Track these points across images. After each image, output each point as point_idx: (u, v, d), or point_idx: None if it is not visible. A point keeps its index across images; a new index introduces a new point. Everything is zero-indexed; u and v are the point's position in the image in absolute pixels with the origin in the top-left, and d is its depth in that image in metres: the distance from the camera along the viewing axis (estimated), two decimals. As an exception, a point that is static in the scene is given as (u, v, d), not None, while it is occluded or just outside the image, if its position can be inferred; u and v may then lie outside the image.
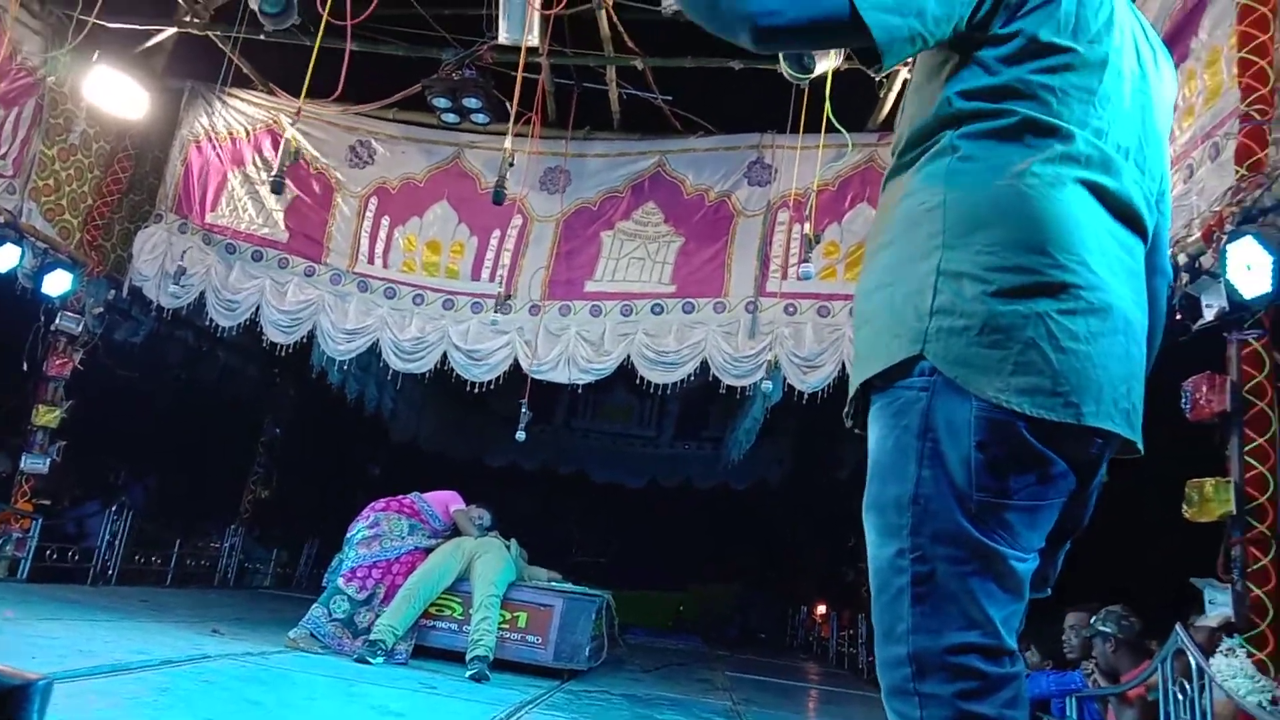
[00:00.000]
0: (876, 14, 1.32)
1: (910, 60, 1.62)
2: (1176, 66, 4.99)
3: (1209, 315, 4.37)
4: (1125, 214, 1.46)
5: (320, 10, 5.73)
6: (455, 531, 6.56)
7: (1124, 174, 1.46)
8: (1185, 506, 4.23)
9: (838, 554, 12.68)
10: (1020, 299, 1.32)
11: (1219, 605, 4.10)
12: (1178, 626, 3.86)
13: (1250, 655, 3.82)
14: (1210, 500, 4.10)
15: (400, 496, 6.60)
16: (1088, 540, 1.67)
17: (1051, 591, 1.59)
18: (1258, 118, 4.30)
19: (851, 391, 1.55)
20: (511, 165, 6.13)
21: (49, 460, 8.17)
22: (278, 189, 5.92)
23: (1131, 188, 1.47)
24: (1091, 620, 4.77)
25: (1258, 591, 3.94)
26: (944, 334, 1.35)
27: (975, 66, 1.46)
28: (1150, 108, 1.57)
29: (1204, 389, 4.29)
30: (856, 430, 1.54)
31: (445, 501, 6.64)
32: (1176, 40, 5.11)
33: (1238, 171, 4.35)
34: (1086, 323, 1.33)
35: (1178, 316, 4.52)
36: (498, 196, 5.88)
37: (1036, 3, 1.43)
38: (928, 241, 1.41)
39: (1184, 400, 4.38)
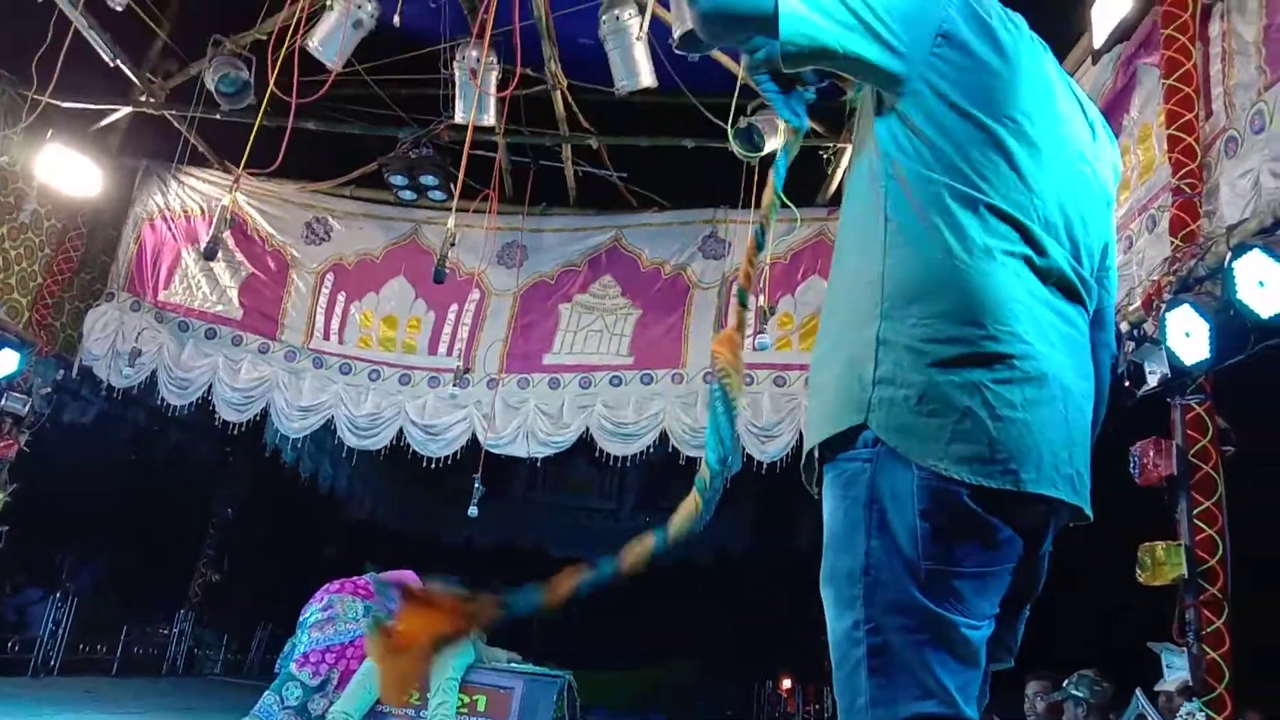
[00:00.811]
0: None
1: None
2: (1110, 142, 5.19)
3: (1152, 381, 4.48)
4: (1060, 284, 1.49)
5: (275, 90, 5.80)
6: (412, 611, 6.42)
7: (1050, 247, 1.48)
8: (1138, 570, 4.27)
9: (803, 625, 12.56)
10: (956, 369, 1.35)
11: (1177, 669, 4.13)
12: (1138, 691, 3.88)
13: (1210, 719, 3.84)
14: (1162, 564, 4.15)
15: (355, 578, 6.47)
16: (1045, 605, 1.69)
17: (1014, 661, 1.60)
18: (1188, 191, 4.48)
19: (804, 459, 1.58)
20: (454, 245, 6.17)
21: (-10, 546, 7.89)
22: (210, 254, 5.92)
23: (1061, 260, 1.49)
24: (1064, 684, 4.76)
25: (1213, 654, 3.97)
26: (885, 404, 1.38)
27: (906, 133, 1.49)
28: (1085, 182, 1.60)
29: (1151, 454, 4.37)
30: (817, 496, 1.54)
31: (401, 583, 6.51)
32: (1109, 117, 5.33)
33: (1173, 242, 4.51)
34: (1022, 391, 1.36)
35: (1126, 383, 4.63)
36: (438, 275, 5.89)
37: (957, 75, 1.47)
38: (868, 313, 1.45)
39: (1132, 465, 4.46)
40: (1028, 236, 1.46)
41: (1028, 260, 1.45)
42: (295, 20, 6.41)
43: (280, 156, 6.07)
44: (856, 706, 1.33)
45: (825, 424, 1.46)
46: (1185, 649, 4.07)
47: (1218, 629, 3.99)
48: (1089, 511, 1.47)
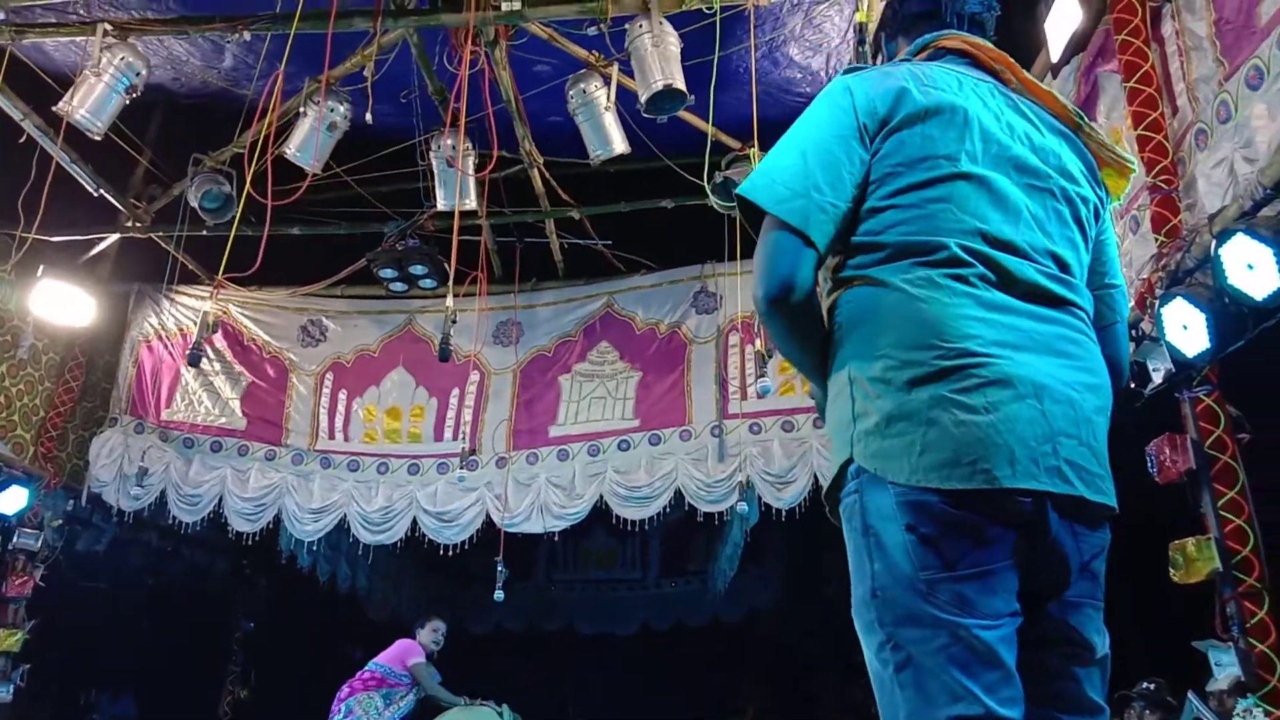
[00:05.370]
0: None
1: None
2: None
3: (1157, 378, 4.46)
4: (1032, 292, 1.55)
5: (253, 194, 5.88)
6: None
7: (1006, 261, 1.55)
8: (1171, 570, 4.20)
9: (846, 673, 12.30)
10: (919, 389, 1.45)
11: (1226, 666, 4.03)
12: (1190, 694, 3.79)
13: (1268, 714, 3.74)
14: (1195, 560, 4.08)
15: (360, 674, 6.42)
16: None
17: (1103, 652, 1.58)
18: (1165, 187, 4.52)
19: (826, 504, 1.67)
20: (454, 322, 6.23)
21: (12, 687, 7.77)
22: (194, 361, 6.04)
23: (1023, 270, 1.56)
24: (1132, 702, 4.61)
25: (1261, 647, 3.88)
26: (864, 435, 1.49)
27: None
28: (1045, 196, 1.65)
29: (1167, 450, 4.33)
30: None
31: (401, 656, 6.46)
32: (1077, 127, 5.40)
33: (1157, 239, 4.54)
34: (984, 395, 1.43)
35: (1132, 384, 4.61)
36: (443, 354, 5.96)
37: (886, 133, 1.60)
38: (839, 358, 1.59)
39: (1150, 464, 4.42)
40: (975, 257, 1.54)
41: (982, 278, 1.53)
42: (271, 130, 6.53)
43: (258, 260, 6.16)
44: None
45: (830, 468, 1.61)
46: (1231, 645, 3.99)
47: (1261, 620, 3.91)
48: (1095, 498, 1.49)
